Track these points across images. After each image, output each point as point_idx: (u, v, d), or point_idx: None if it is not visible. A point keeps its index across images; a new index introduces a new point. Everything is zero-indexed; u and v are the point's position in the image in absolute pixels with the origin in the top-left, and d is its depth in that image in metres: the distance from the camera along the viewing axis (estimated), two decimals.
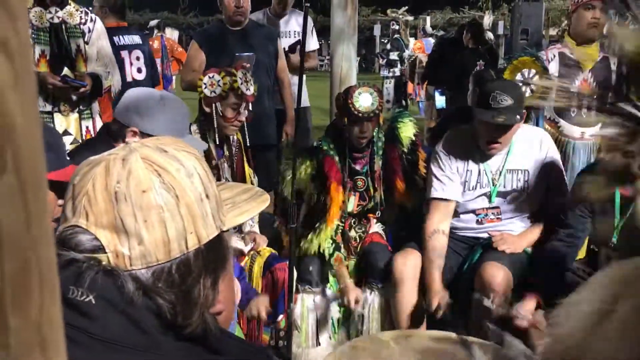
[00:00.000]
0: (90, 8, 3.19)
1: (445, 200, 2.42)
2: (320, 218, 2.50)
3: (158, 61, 7.96)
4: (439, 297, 2.23)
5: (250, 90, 2.34)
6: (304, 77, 4.14)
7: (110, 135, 1.89)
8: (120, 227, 0.73)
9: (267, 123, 3.33)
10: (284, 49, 3.73)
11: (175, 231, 0.74)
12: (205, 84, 2.30)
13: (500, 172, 2.41)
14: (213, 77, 2.30)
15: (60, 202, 1.27)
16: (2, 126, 0.23)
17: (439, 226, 2.39)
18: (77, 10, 2.89)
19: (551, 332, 0.62)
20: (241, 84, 2.29)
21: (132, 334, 0.71)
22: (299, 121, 3.29)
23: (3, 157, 0.24)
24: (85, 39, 2.89)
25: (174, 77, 7.56)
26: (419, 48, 9.28)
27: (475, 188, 2.44)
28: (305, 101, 4.09)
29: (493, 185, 2.42)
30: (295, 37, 3.87)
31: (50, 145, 1.32)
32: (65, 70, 2.76)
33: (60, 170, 1.31)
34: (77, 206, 0.75)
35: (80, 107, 2.87)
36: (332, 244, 2.50)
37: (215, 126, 2.31)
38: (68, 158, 1.38)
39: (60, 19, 2.80)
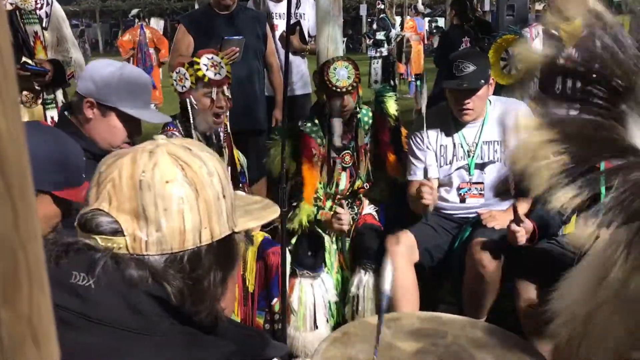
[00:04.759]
0: None
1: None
2: (298, 197, 2.53)
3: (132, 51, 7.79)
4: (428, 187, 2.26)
5: (222, 73, 2.25)
6: (305, 59, 4.12)
7: (71, 110, 1.85)
8: (141, 213, 0.77)
9: (256, 107, 3.32)
10: (283, 31, 3.72)
11: (192, 223, 0.79)
12: (175, 81, 2.26)
13: (477, 144, 2.45)
14: (179, 71, 2.25)
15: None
16: None
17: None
18: None
19: (551, 309, 0.64)
20: (206, 70, 2.22)
21: (130, 317, 0.74)
22: (299, 108, 3.25)
23: None
24: (44, 25, 2.75)
25: (159, 68, 7.46)
26: (411, 27, 9.25)
27: (452, 162, 2.48)
28: (306, 86, 4.04)
29: (469, 157, 2.45)
30: (294, 18, 3.85)
31: (68, 162, 1.30)
32: (24, 59, 2.63)
33: (74, 189, 1.27)
34: (101, 192, 0.79)
35: (44, 95, 2.75)
36: (316, 209, 2.54)
37: (192, 121, 2.25)
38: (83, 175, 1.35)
39: (14, 5, 2.66)
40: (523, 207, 2.46)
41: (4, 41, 0.24)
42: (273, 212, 0.94)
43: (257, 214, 0.92)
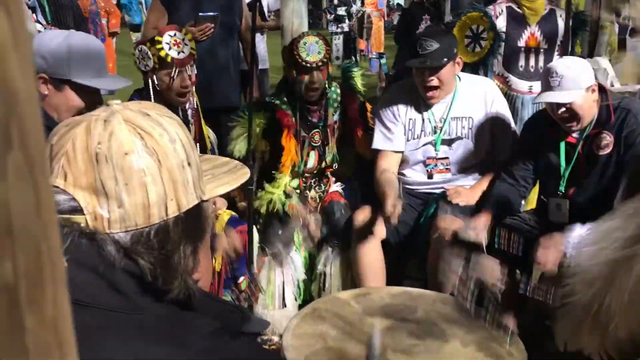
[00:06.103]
0: None
1: (390, 151, 2.47)
2: (275, 170, 2.50)
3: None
4: (393, 200, 2.16)
5: (185, 51, 2.16)
6: (264, 36, 4.13)
7: None
8: (100, 189, 0.71)
9: (229, 85, 3.21)
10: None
11: (156, 196, 0.74)
12: (138, 59, 2.16)
13: (444, 120, 2.45)
14: (142, 50, 2.15)
15: None
16: (4, 93, 0.19)
17: (386, 167, 2.43)
18: None
19: (572, 275, 0.60)
20: (169, 49, 2.13)
21: (108, 295, 0.71)
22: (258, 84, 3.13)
23: (8, 131, 0.20)
24: None
25: (113, 39, 7.18)
26: (372, 3, 9.19)
27: (420, 137, 2.48)
28: (264, 62, 4.06)
29: (436, 133, 2.46)
30: None
31: None
32: None
33: None
34: (55, 166, 0.72)
35: None
36: (283, 194, 2.51)
37: (153, 100, 2.13)
38: None
39: None
40: (487, 184, 2.50)
41: None
42: (243, 175, 0.88)
43: (225, 178, 0.86)
